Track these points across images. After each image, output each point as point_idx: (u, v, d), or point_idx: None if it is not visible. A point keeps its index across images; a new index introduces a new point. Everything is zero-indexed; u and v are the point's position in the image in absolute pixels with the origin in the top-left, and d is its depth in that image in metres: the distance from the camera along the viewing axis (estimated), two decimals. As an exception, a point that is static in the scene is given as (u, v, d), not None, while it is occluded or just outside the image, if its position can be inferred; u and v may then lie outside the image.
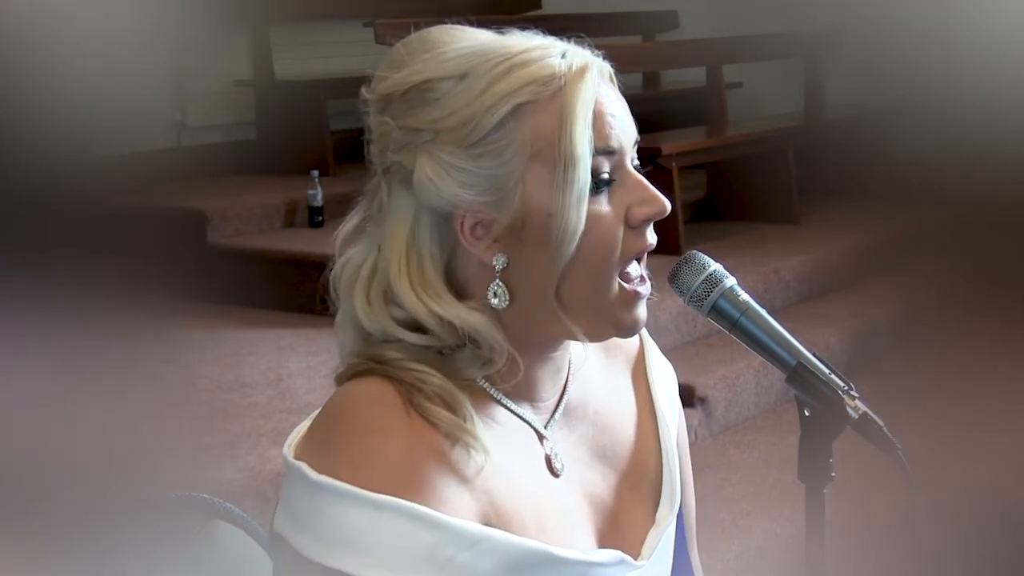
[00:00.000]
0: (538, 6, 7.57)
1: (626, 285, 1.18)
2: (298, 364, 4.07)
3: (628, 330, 1.21)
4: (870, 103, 5.86)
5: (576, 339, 1.21)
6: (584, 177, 1.14)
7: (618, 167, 1.17)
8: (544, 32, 1.21)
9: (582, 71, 1.16)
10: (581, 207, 1.14)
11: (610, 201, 1.16)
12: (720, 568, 3.16)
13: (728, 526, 3.37)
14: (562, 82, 1.15)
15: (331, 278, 1.22)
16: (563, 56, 1.16)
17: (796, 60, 6.28)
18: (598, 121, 1.15)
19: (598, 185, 1.15)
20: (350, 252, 1.21)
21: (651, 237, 1.19)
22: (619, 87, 1.21)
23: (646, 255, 1.20)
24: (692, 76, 6.71)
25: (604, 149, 1.16)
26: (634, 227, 1.17)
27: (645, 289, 1.20)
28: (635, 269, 1.19)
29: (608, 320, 1.19)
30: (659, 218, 1.19)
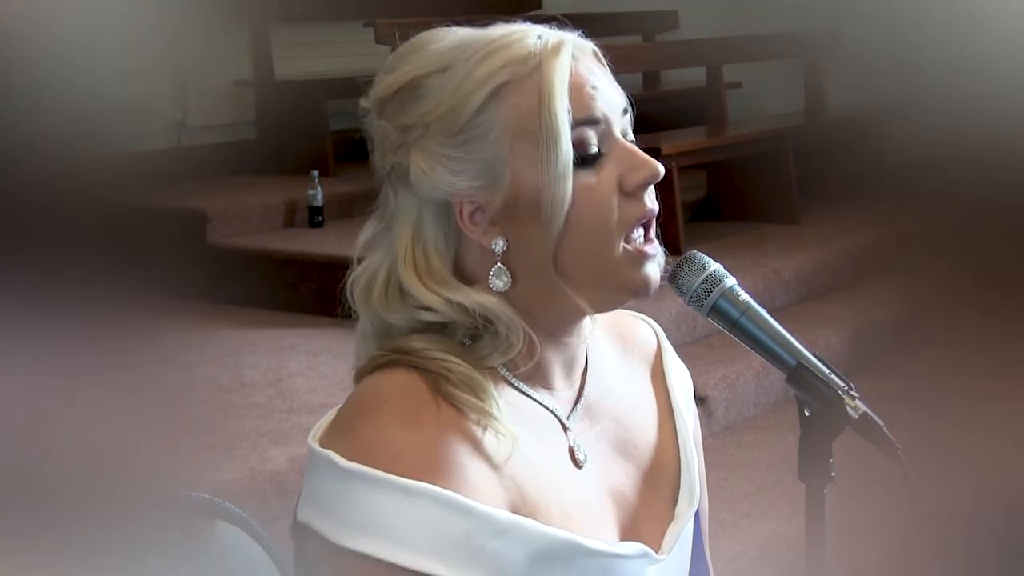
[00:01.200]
0: (538, 6, 7.57)
1: (629, 246, 1.18)
2: (298, 364, 4.06)
3: (639, 290, 1.20)
4: (870, 103, 5.84)
5: (585, 312, 1.21)
6: (566, 149, 1.15)
7: (606, 137, 1.18)
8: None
9: (557, 48, 1.17)
10: (566, 179, 1.15)
11: (601, 171, 1.17)
12: (720, 568, 3.15)
13: (728, 526, 3.37)
14: (538, 60, 1.16)
15: (349, 283, 1.23)
16: (539, 37, 1.18)
17: (796, 60, 6.28)
18: (577, 92, 1.16)
19: (585, 159, 1.16)
20: (368, 260, 1.22)
21: (651, 203, 1.19)
22: (610, 68, 1.22)
23: (654, 222, 1.20)
24: (692, 76, 6.71)
25: (586, 119, 1.16)
26: (629, 194, 1.18)
27: (652, 249, 1.19)
28: (639, 234, 1.19)
29: (617, 283, 1.19)
30: (654, 182, 1.19)
